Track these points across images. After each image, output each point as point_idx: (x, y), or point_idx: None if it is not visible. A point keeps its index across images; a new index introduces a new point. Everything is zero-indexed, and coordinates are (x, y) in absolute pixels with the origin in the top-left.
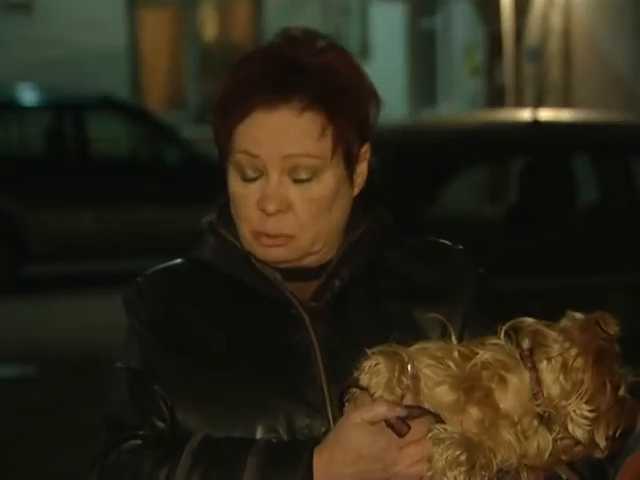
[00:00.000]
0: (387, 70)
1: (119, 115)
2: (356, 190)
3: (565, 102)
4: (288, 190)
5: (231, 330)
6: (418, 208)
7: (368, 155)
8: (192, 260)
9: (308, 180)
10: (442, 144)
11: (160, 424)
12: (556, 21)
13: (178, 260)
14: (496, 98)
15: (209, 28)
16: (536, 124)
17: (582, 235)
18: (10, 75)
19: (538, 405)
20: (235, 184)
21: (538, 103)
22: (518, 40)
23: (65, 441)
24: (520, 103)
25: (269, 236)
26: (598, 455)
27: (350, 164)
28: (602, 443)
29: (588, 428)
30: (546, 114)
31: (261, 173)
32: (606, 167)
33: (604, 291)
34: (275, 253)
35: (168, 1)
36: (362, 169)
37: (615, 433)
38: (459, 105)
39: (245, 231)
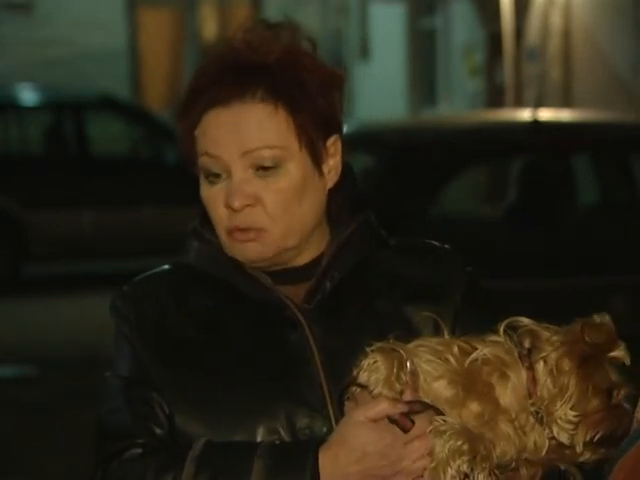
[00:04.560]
0: (387, 70)
1: (119, 115)
2: (329, 184)
3: (565, 102)
4: (253, 185)
5: (224, 334)
6: (418, 208)
7: (339, 148)
8: (178, 265)
9: (272, 170)
10: (442, 144)
11: (158, 430)
12: (556, 21)
13: (165, 266)
14: (496, 98)
15: (209, 28)
16: (536, 124)
17: (582, 235)
18: (10, 75)
19: (532, 404)
20: (204, 188)
21: (538, 103)
22: (518, 40)
23: (65, 441)
24: (520, 103)
25: (241, 230)
26: (584, 459)
27: (316, 157)
28: (580, 447)
29: (572, 432)
30: (546, 114)
31: (226, 173)
32: (606, 167)
33: (604, 291)
34: (250, 249)
35: (168, 1)
36: (335, 163)
37: (593, 439)
38: (459, 105)
39: (221, 233)
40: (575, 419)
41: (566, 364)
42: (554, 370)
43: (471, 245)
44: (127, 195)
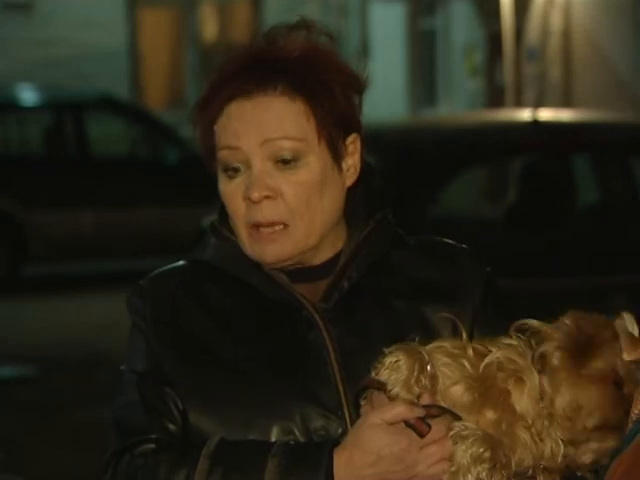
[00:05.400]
0: (387, 70)
1: (119, 115)
2: (348, 183)
3: (565, 102)
4: (273, 177)
5: (239, 332)
6: (418, 208)
7: (358, 147)
8: (194, 262)
9: (292, 164)
10: (442, 144)
11: (171, 426)
12: (556, 21)
13: (180, 262)
14: (496, 98)
15: (209, 28)
16: (536, 124)
17: (582, 235)
18: (10, 75)
19: (544, 407)
20: (223, 183)
21: (538, 103)
22: (518, 40)
23: (65, 441)
24: (520, 103)
25: (262, 226)
26: (594, 450)
27: (335, 153)
28: (581, 436)
29: (569, 425)
30: (546, 114)
31: (246, 166)
32: (606, 167)
33: (604, 291)
34: (269, 251)
35: (168, 1)
36: (354, 162)
37: (592, 426)
38: (459, 105)
39: (240, 229)
40: (571, 413)
41: (556, 358)
42: (547, 366)
43: (471, 245)
44: (127, 195)
